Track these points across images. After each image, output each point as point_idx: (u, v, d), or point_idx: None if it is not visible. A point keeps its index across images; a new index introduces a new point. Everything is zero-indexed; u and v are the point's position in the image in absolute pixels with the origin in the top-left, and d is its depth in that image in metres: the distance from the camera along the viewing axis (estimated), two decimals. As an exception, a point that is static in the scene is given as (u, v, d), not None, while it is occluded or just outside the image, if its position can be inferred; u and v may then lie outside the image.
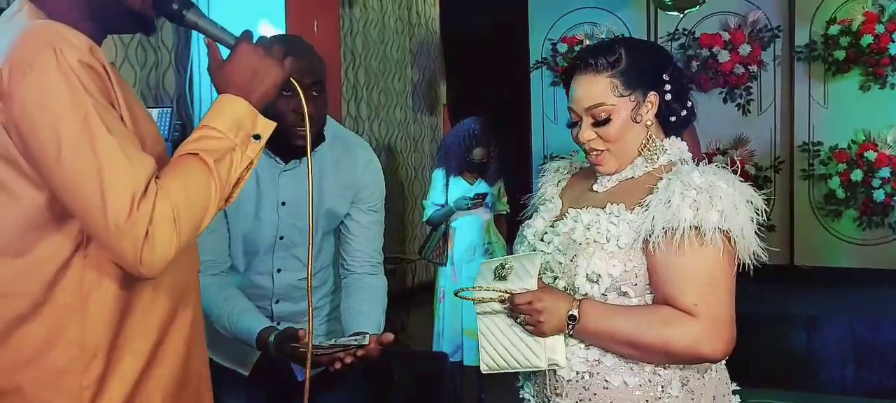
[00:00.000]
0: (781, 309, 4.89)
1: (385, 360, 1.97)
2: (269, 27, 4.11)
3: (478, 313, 1.55)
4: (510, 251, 3.61)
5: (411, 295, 5.96)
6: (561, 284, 1.54)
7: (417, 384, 4.01)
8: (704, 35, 6.26)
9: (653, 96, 1.56)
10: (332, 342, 1.86)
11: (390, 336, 1.93)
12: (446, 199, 4.30)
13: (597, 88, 1.54)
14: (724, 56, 6.16)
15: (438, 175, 4.37)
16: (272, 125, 1.32)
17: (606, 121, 1.54)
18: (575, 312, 1.46)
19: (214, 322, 1.93)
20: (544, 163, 1.85)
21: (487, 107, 5.00)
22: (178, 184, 1.18)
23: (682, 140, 1.62)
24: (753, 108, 6.27)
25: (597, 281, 1.49)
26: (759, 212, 1.47)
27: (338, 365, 1.83)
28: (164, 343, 1.33)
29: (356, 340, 1.86)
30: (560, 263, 1.54)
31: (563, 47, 6.79)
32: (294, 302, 2.05)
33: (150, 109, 3.27)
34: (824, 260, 5.98)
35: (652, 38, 6.56)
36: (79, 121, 1.13)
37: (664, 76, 1.56)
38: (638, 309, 1.50)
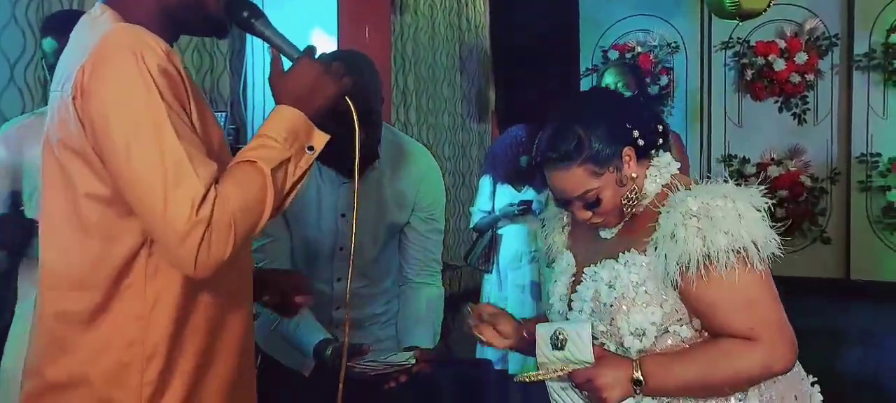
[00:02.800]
0: (837, 324, 4.77)
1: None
2: (322, 34, 4.17)
3: (548, 384, 1.55)
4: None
5: (456, 302, 5.96)
6: (611, 347, 1.51)
7: (462, 391, 4.01)
8: (760, 43, 6.17)
9: (628, 151, 1.52)
10: (384, 359, 1.88)
11: (442, 353, 1.94)
12: (493, 206, 4.29)
13: (575, 180, 1.51)
14: (779, 64, 6.05)
15: (486, 182, 4.37)
16: (326, 137, 1.36)
17: (597, 201, 1.52)
18: (638, 375, 1.43)
19: (274, 330, 1.96)
20: (543, 212, 1.81)
21: (537, 114, 4.99)
22: (236, 191, 1.21)
23: (665, 152, 1.58)
24: (809, 118, 6.14)
25: (643, 334, 1.47)
26: (764, 209, 1.42)
27: (392, 384, 1.87)
28: (220, 341, 1.37)
29: (407, 358, 1.88)
30: (603, 331, 1.51)
31: (614, 54, 6.74)
32: (354, 309, 2.06)
33: (204, 113, 3.34)
34: (881, 274, 5.82)
35: (705, 46, 6.48)
36: (151, 125, 1.18)
37: (629, 127, 1.52)
38: (698, 349, 1.47)
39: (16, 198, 2.32)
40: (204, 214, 1.16)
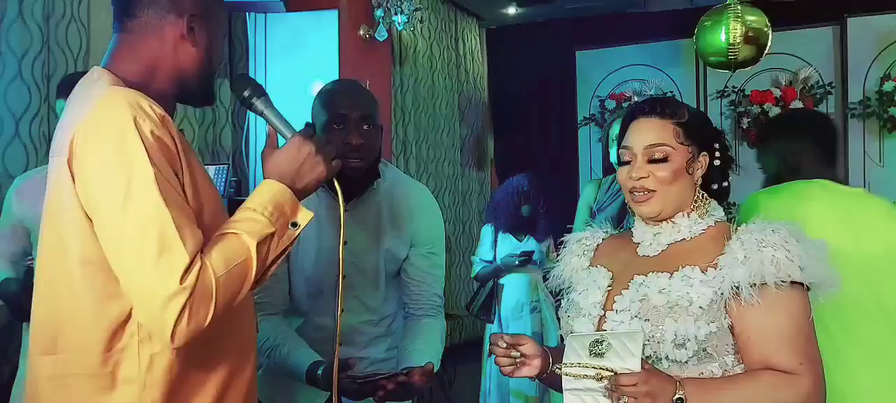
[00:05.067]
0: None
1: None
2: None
3: (567, 388, 1.48)
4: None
5: (458, 352, 5.92)
6: (646, 352, 1.49)
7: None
8: (755, 92, 6.23)
9: (704, 157, 1.60)
10: (374, 371, 1.89)
11: (431, 366, 1.92)
12: (495, 255, 4.30)
13: (660, 131, 1.58)
14: (775, 112, 6.11)
15: (487, 231, 4.39)
16: (310, 216, 1.37)
17: (663, 159, 1.56)
18: (681, 395, 1.41)
19: (267, 357, 1.96)
20: (564, 237, 1.81)
21: (535, 163, 5.02)
22: (221, 263, 1.22)
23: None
24: (807, 165, 6.18)
25: (684, 345, 1.47)
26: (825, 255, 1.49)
27: (380, 393, 1.85)
28: (225, 400, 1.35)
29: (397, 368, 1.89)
30: (642, 330, 1.50)
31: (611, 104, 6.81)
32: (357, 347, 2.04)
33: (207, 166, 3.37)
34: (884, 321, 5.80)
35: (701, 95, 6.55)
36: (140, 191, 1.18)
37: (716, 144, 1.62)
38: (741, 379, 1.48)
39: (28, 252, 2.35)
40: (188, 283, 1.17)
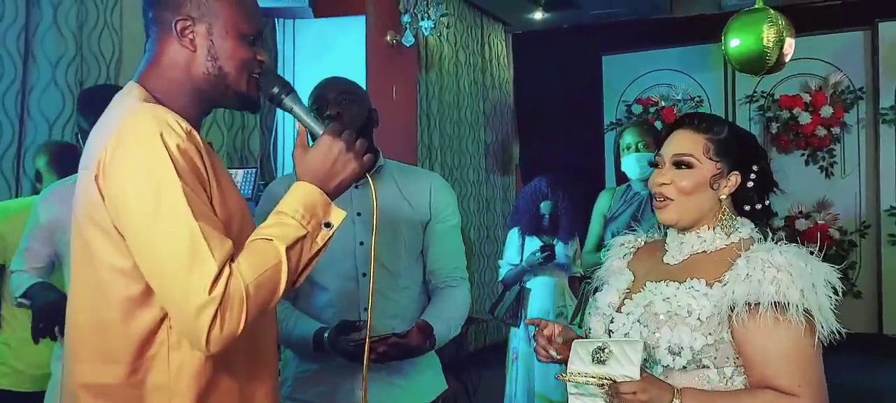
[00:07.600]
0: (870, 381, 4.68)
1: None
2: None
3: (571, 393, 1.53)
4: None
5: (483, 356, 5.93)
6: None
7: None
8: (784, 97, 6.18)
9: (735, 175, 1.62)
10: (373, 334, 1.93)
11: (423, 322, 1.98)
12: (521, 259, 4.30)
13: (690, 142, 1.62)
14: (805, 118, 6.05)
15: (513, 234, 4.38)
16: (343, 215, 1.38)
17: (687, 166, 1.60)
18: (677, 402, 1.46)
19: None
20: (610, 240, 1.88)
21: (561, 168, 5.00)
22: (250, 269, 1.24)
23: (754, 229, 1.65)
24: (837, 171, 6.11)
25: (679, 354, 1.52)
26: (838, 292, 1.49)
27: (373, 356, 1.86)
28: None
29: (388, 329, 1.93)
30: (640, 335, 1.56)
31: (637, 109, 6.78)
32: (384, 315, 2.06)
33: (235, 170, 3.42)
34: (916, 329, 5.72)
35: (729, 100, 6.52)
36: (168, 204, 1.21)
37: (754, 166, 1.63)
38: (739, 394, 1.51)
39: (56, 260, 2.38)
40: (217, 292, 1.19)
